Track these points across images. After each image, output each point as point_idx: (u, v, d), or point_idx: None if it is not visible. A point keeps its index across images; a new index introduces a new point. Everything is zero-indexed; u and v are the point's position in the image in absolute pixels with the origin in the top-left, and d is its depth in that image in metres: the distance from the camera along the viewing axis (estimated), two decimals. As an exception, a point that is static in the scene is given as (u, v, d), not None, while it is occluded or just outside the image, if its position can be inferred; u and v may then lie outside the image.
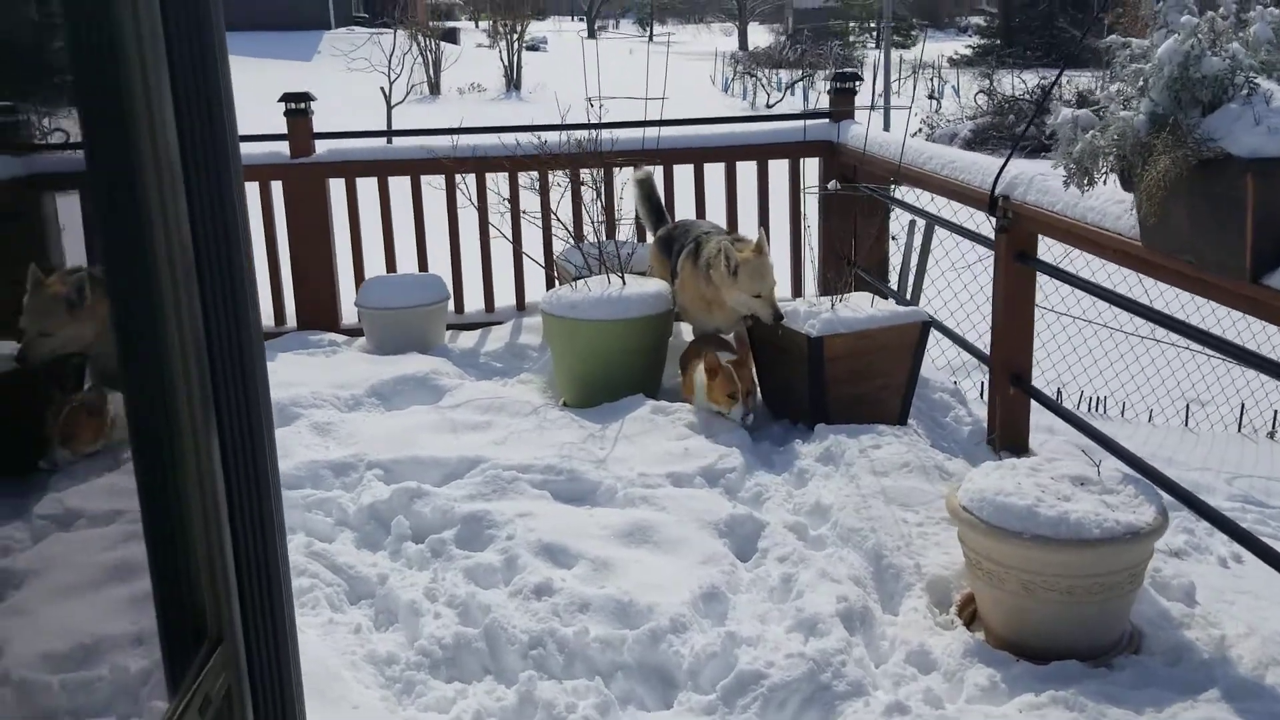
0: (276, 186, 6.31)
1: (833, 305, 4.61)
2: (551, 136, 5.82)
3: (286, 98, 6.28)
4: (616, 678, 3.05)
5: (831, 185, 5.45)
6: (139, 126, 1.66)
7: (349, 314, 6.37)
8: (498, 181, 6.21)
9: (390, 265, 6.50)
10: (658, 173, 6.09)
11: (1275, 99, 2.85)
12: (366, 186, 6.38)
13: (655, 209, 5.85)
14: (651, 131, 5.84)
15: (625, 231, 6.30)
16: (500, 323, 6.27)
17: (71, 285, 1.86)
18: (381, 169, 6.40)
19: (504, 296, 6.59)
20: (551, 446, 4.34)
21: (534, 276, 6.40)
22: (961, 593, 3.40)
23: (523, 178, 6.19)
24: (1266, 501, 5.35)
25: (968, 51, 41.16)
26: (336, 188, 6.41)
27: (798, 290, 6.45)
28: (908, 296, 5.98)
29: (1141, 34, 3.32)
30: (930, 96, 29.36)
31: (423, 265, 6.50)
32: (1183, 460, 5.93)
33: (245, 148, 4.58)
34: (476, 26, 53.80)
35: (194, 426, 1.79)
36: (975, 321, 6.73)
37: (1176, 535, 4.31)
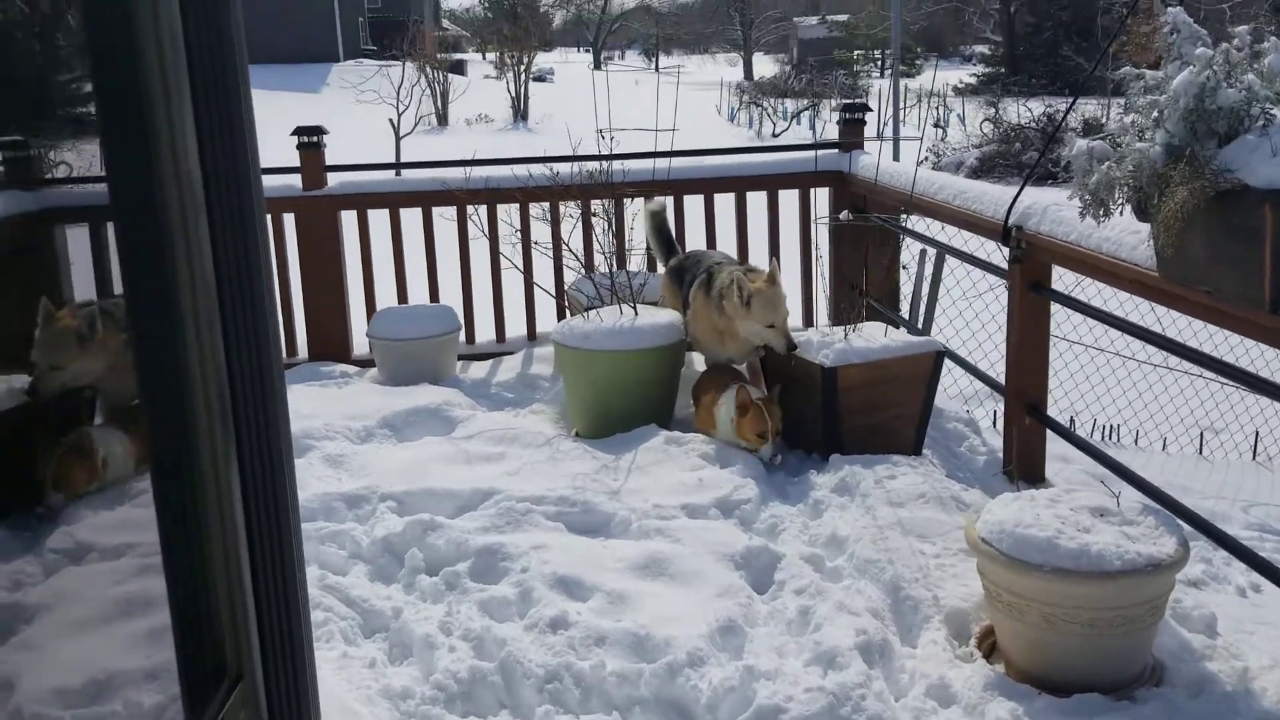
0: (289, 219, 6.33)
1: (846, 335, 4.60)
2: (563, 168, 5.84)
3: (299, 131, 6.32)
4: (634, 712, 3.02)
5: (844, 215, 5.45)
6: (162, 158, 1.66)
7: (360, 345, 6.37)
8: (509, 212, 6.23)
9: (401, 296, 6.51)
10: (668, 203, 6.10)
11: (1291, 129, 2.85)
12: (378, 218, 6.40)
13: (666, 240, 5.86)
14: (662, 162, 5.86)
15: (636, 262, 6.31)
16: (511, 353, 6.27)
17: (82, 319, 1.85)
18: (393, 201, 6.43)
19: (514, 327, 6.60)
20: (565, 477, 4.32)
21: (545, 306, 6.41)
22: (981, 625, 3.37)
23: (534, 208, 6.21)
24: (1284, 530, 5.31)
25: (972, 80, 41.38)
26: (348, 219, 6.44)
27: (809, 320, 6.44)
28: (919, 325, 5.97)
29: (1147, 63, 3.32)
30: (936, 125, 29.47)
31: (434, 296, 6.51)
32: (1198, 489, 5.90)
33: (259, 180, 4.59)
34: (484, 58, 54.22)
35: (214, 458, 1.79)
36: (987, 350, 6.72)
37: (1194, 565, 4.27)
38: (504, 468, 4.51)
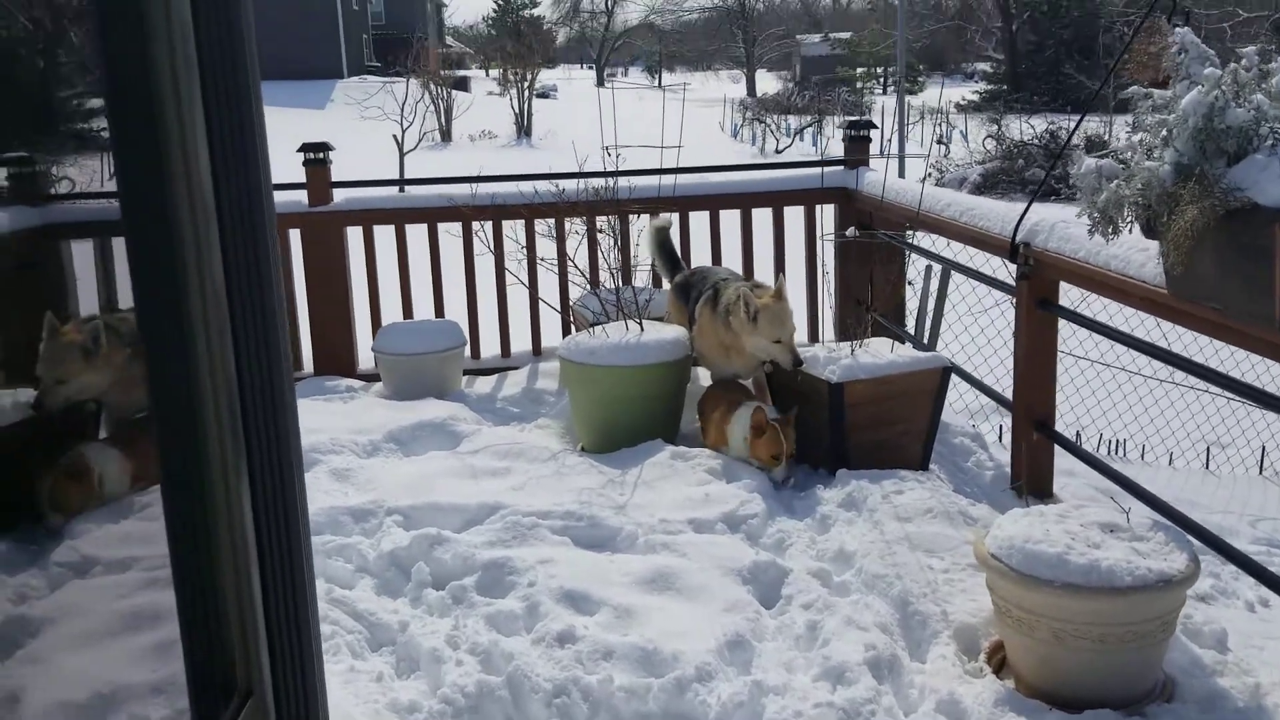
0: (295, 234, 6.34)
1: (852, 351, 4.60)
2: (568, 184, 5.85)
3: (306, 148, 6.34)
4: (642, 728, 3.01)
5: (850, 232, 5.46)
6: (174, 173, 1.66)
7: (365, 359, 6.37)
8: (515, 229, 6.24)
9: (407, 311, 6.52)
10: (674, 219, 6.11)
11: (1300, 148, 2.85)
12: (383, 233, 6.41)
13: (670, 256, 5.87)
14: (667, 178, 5.87)
15: (642, 278, 6.32)
16: (516, 368, 6.27)
17: (87, 333, 1.85)
18: (399, 217, 6.44)
19: (520, 342, 6.60)
20: (571, 492, 4.32)
21: (550, 322, 6.41)
22: (990, 640, 3.36)
23: (539, 225, 6.22)
24: (1292, 545, 5.29)
25: (975, 97, 41.48)
26: (353, 235, 6.45)
27: (815, 336, 6.44)
28: (925, 341, 5.97)
29: (1149, 80, 3.33)
30: (939, 141, 29.54)
31: (439, 311, 6.52)
32: (1205, 503, 5.87)
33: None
34: (487, 75, 54.41)
35: (225, 470, 1.78)
36: (993, 365, 6.71)
37: (1203, 580, 4.25)
38: (510, 482, 4.50)
